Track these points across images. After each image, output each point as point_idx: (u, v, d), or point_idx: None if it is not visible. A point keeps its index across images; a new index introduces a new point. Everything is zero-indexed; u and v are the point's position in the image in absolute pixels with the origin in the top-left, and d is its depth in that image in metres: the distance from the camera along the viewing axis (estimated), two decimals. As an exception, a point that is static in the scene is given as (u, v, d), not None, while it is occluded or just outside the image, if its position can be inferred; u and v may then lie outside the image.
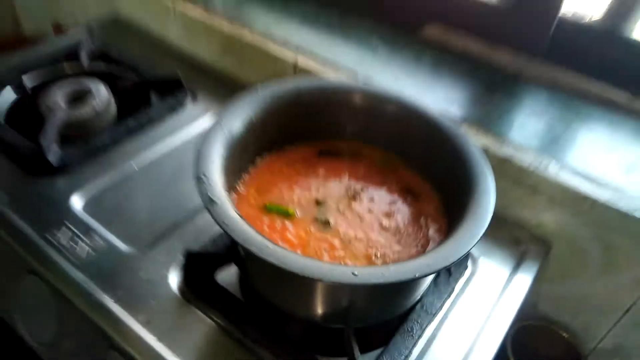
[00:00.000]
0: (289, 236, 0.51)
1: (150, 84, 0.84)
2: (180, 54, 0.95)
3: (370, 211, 0.55)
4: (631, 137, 0.70)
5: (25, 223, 0.62)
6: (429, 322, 0.56)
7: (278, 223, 0.52)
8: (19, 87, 0.81)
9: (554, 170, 0.63)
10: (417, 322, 0.55)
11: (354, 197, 0.56)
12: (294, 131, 0.60)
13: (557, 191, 0.63)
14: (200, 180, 0.45)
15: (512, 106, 0.75)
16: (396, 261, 0.49)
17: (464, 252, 0.42)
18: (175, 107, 0.82)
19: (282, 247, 0.41)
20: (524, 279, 0.63)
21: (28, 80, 0.83)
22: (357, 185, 0.57)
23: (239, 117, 0.53)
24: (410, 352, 0.53)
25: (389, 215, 0.54)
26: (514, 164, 0.64)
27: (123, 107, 0.80)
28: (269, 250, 0.40)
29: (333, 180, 0.58)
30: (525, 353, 0.68)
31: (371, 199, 0.56)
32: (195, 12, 0.89)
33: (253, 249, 0.40)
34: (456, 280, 0.60)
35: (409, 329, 0.54)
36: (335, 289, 0.45)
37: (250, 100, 0.55)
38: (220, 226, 0.42)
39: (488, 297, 0.60)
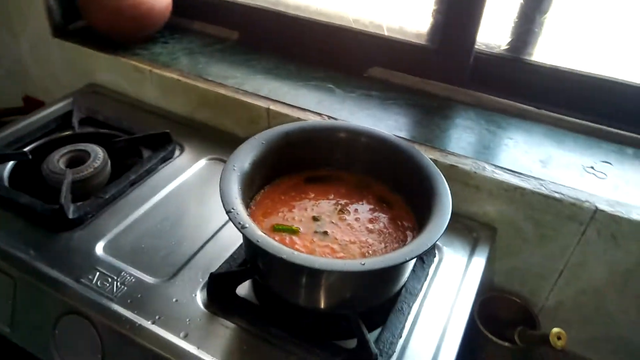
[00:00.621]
0: (298, 247, 0.64)
1: (141, 141, 0.95)
2: (158, 112, 1.07)
3: (357, 220, 0.69)
4: (541, 139, 0.89)
5: (58, 272, 0.71)
6: (414, 302, 0.70)
7: (287, 239, 0.65)
8: (18, 155, 0.90)
9: (489, 171, 0.80)
10: (405, 303, 0.69)
11: (341, 211, 0.70)
12: (284, 165, 0.74)
13: (494, 186, 0.80)
14: (231, 212, 0.57)
15: (448, 125, 0.92)
16: (386, 254, 0.63)
17: (436, 238, 0.57)
18: (167, 158, 0.93)
19: (303, 253, 0.55)
20: (480, 259, 0.79)
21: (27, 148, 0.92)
22: (342, 202, 0.72)
23: (245, 158, 0.66)
24: (403, 327, 0.67)
25: (372, 221, 0.69)
26: (459, 169, 0.81)
27: (115, 163, 0.90)
28: (297, 255, 0.53)
29: (322, 200, 0.72)
30: (491, 321, 0.84)
31: (356, 211, 0.70)
32: (171, 74, 1.02)
33: (284, 256, 0.53)
34: (429, 267, 0.76)
35: (400, 309, 0.68)
36: (346, 279, 0.58)
37: (251, 145, 0.68)
38: (255, 244, 0.54)
39: (454, 277, 0.75)
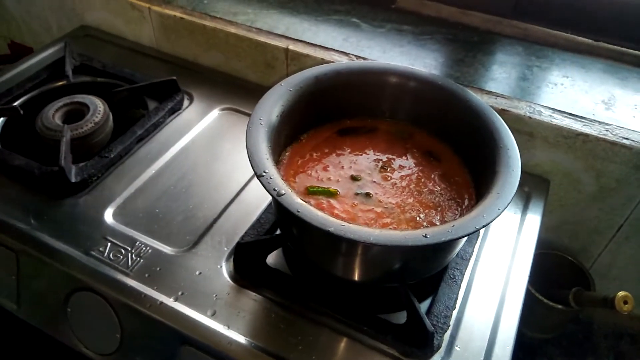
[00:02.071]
0: (338, 212, 0.55)
1: (145, 90, 0.84)
2: (160, 56, 0.95)
3: (402, 178, 0.60)
4: (601, 76, 0.79)
5: (65, 244, 0.63)
6: (466, 267, 0.63)
7: (324, 202, 0.56)
8: (8, 110, 0.80)
9: (547, 115, 0.70)
10: (457, 269, 0.62)
11: (384, 167, 0.61)
12: (314, 116, 0.64)
13: (551, 133, 0.71)
14: (263, 177, 0.48)
15: (493, 62, 0.81)
16: (440, 220, 0.55)
17: (508, 201, 0.48)
18: (175, 109, 0.83)
19: (353, 224, 0.46)
20: (534, 216, 0.70)
21: (17, 102, 0.82)
22: (384, 157, 0.62)
23: (272, 109, 0.56)
24: (457, 297, 0.60)
25: (420, 179, 0.60)
26: (511, 113, 0.71)
27: (117, 116, 0.80)
28: (347, 228, 0.44)
29: (360, 155, 0.62)
30: (539, 280, 0.76)
31: (400, 167, 0.61)
32: (173, 12, 0.90)
33: (332, 229, 0.44)
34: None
35: (452, 276, 0.61)
36: (401, 252, 0.50)
37: (278, 93, 0.58)
38: (295, 214, 0.45)
39: (508, 236, 0.67)
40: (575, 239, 0.81)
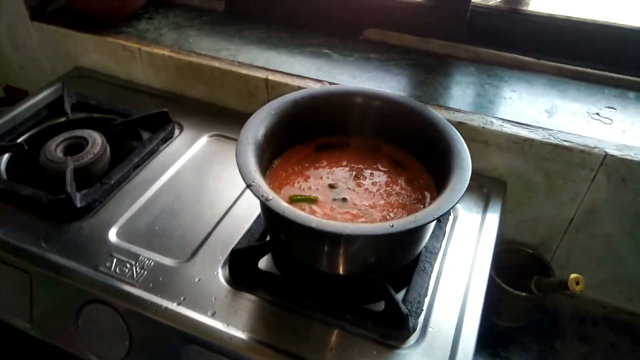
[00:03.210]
0: (319, 216, 0.63)
1: (138, 122, 0.92)
2: (151, 91, 1.04)
3: (373, 184, 0.68)
4: (543, 89, 0.89)
5: (76, 262, 0.69)
6: (435, 260, 0.71)
7: (307, 208, 0.64)
8: (14, 146, 0.87)
9: (498, 125, 0.80)
10: (427, 262, 0.70)
11: (357, 176, 0.69)
12: (294, 135, 0.72)
13: (503, 140, 0.80)
14: (252, 186, 0.56)
15: (450, 82, 0.91)
16: (407, 215, 0.63)
17: (461, 194, 0.56)
18: (167, 138, 0.91)
19: (331, 220, 0.54)
20: (493, 215, 0.79)
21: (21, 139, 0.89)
22: (357, 167, 0.71)
23: (257, 130, 0.65)
24: (428, 285, 0.68)
25: (389, 184, 0.68)
26: (467, 125, 0.81)
27: (114, 147, 0.88)
28: (326, 223, 0.52)
29: (336, 167, 0.71)
30: (505, 273, 0.85)
31: (371, 175, 0.70)
32: (161, 51, 0.99)
33: (313, 225, 0.52)
34: (445, 225, 0.76)
35: (423, 268, 0.69)
36: (374, 243, 0.58)
37: (261, 116, 0.67)
38: (282, 215, 0.53)
39: (471, 233, 0.76)
40: (535, 234, 0.90)
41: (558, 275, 0.87)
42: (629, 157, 0.75)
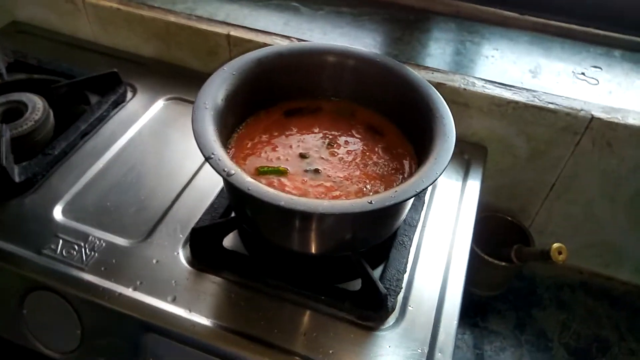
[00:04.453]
0: (289, 189, 0.57)
1: (85, 84, 0.82)
2: (99, 49, 0.93)
3: (348, 153, 0.62)
4: (527, 47, 0.84)
5: (16, 245, 0.62)
6: (414, 233, 0.66)
7: (275, 181, 0.58)
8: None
9: (480, 86, 0.75)
10: (406, 235, 0.65)
11: (330, 144, 0.63)
12: (259, 98, 0.65)
13: (485, 102, 0.75)
14: (211, 158, 0.49)
15: (429, 39, 0.85)
16: (385, 188, 0.58)
17: (444, 165, 0.51)
18: (119, 102, 0.82)
19: (302, 197, 0.48)
20: (474, 182, 0.75)
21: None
22: (330, 134, 0.64)
23: (217, 93, 0.57)
24: (407, 261, 0.63)
25: (365, 152, 0.62)
26: (447, 87, 0.75)
27: (59, 113, 0.78)
28: (297, 201, 0.46)
29: (307, 134, 0.64)
30: (483, 241, 0.81)
31: (346, 143, 0.63)
32: (109, 3, 0.88)
33: (282, 203, 0.46)
34: (424, 195, 0.71)
35: (401, 242, 0.64)
36: (350, 221, 0.53)
37: (221, 77, 0.59)
38: (245, 192, 0.47)
39: (451, 202, 0.72)
40: (514, 200, 0.87)
41: (536, 242, 0.84)
42: (616, 120, 0.71)
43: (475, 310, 0.86)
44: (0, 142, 0.69)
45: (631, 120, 0.71)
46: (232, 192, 0.57)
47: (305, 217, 0.50)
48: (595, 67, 0.80)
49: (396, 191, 0.48)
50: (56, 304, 0.60)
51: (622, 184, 0.77)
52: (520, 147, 0.79)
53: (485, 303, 0.87)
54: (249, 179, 0.49)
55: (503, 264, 0.80)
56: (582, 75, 0.78)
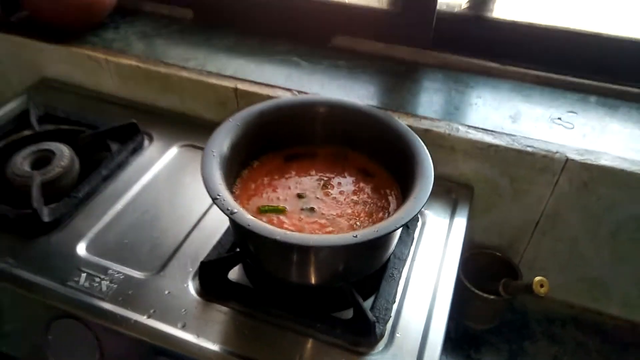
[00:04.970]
0: (287, 226, 0.64)
1: (107, 134, 0.91)
2: (120, 102, 1.03)
3: (341, 193, 0.69)
4: (508, 94, 0.91)
5: (43, 278, 0.69)
6: (403, 266, 0.72)
7: (275, 219, 0.65)
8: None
9: (463, 131, 0.82)
10: (395, 269, 0.71)
11: (325, 185, 0.70)
12: (261, 146, 0.73)
13: (469, 146, 0.82)
14: (217, 199, 0.56)
15: (418, 89, 0.93)
16: (373, 224, 0.64)
17: (422, 203, 0.57)
18: (136, 149, 0.90)
19: (297, 232, 0.55)
20: (461, 219, 0.81)
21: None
22: (325, 177, 0.72)
23: (223, 142, 0.65)
24: (395, 292, 0.69)
25: (356, 192, 0.69)
26: (433, 132, 0.82)
27: (83, 160, 0.87)
28: (290, 235, 0.53)
29: (304, 176, 0.72)
30: (475, 276, 0.87)
31: (339, 184, 0.70)
32: (128, 61, 0.98)
33: (277, 237, 0.53)
34: (413, 231, 0.77)
35: (391, 275, 0.70)
36: (340, 253, 0.59)
37: (227, 128, 0.67)
38: (246, 228, 0.54)
39: (438, 238, 0.77)
40: (503, 237, 0.92)
41: (526, 277, 0.89)
42: (589, 162, 0.77)
43: (469, 342, 0.90)
44: (32, 186, 0.77)
45: (603, 162, 0.77)
46: (236, 229, 0.64)
47: (299, 250, 0.57)
48: (571, 112, 0.87)
49: (378, 227, 0.54)
50: (78, 330, 0.66)
51: (602, 221, 0.83)
52: (504, 187, 0.85)
53: (479, 336, 0.91)
54: (249, 216, 0.56)
55: (492, 297, 0.84)
56: (558, 120, 0.85)
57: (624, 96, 0.90)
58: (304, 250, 0.57)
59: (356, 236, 0.54)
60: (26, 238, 0.74)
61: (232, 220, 0.56)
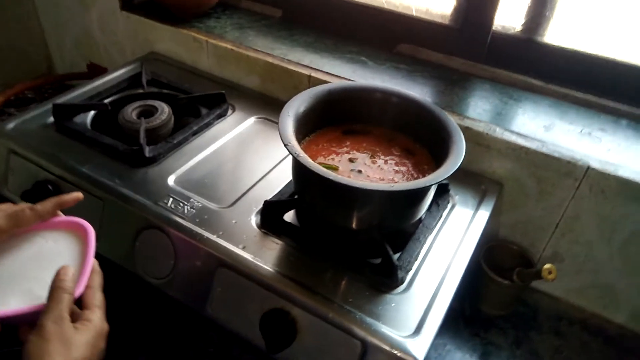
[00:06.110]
0: (337, 180, 0.79)
1: (199, 100, 1.11)
2: (212, 78, 1.23)
3: (386, 162, 0.83)
4: (547, 110, 1.03)
5: (140, 196, 0.87)
6: (429, 234, 0.85)
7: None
8: (100, 105, 1.07)
9: (499, 132, 0.94)
10: (422, 234, 0.84)
11: (373, 156, 0.85)
12: (326, 118, 0.88)
13: (503, 146, 0.94)
14: (288, 145, 0.72)
15: (466, 95, 1.06)
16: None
17: (452, 170, 0.71)
18: (221, 115, 1.09)
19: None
20: (484, 212, 0.91)
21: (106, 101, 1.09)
22: (374, 150, 0.86)
23: (297, 107, 0.81)
24: (419, 252, 0.81)
25: (398, 164, 0.83)
26: (473, 130, 0.95)
27: (177, 118, 1.06)
28: (340, 177, 0.68)
29: (357, 148, 0.87)
30: (495, 265, 0.98)
31: (385, 157, 0.85)
32: (225, 44, 1.18)
33: (331, 177, 0.68)
34: (443, 209, 0.90)
35: (417, 238, 0.83)
36: (377, 200, 0.73)
37: (302, 97, 0.83)
38: (309, 167, 0.69)
39: (461, 224, 0.88)
40: (526, 235, 1.02)
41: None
42: (608, 172, 0.87)
43: (481, 324, 1.00)
44: (140, 130, 0.97)
45: (621, 173, 0.87)
46: (297, 171, 0.79)
47: (346, 190, 0.71)
48: (601, 129, 0.97)
49: (414, 182, 0.68)
50: (161, 240, 0.83)
51: (616, 228, 0.92)
52: (531, 187, 0.96)
53: (491, 320, 1.01)
54: (310, 160, 0.71)
55: (506, 282, 0.95)
56: (587, 135, 0.95)
57: (655, 123, 0.99)
58: (349, 191, 0.71)
59: (393, 186, 0.68)
60: (131, 167, 0.93)
61: (296, 162, 0.71)
